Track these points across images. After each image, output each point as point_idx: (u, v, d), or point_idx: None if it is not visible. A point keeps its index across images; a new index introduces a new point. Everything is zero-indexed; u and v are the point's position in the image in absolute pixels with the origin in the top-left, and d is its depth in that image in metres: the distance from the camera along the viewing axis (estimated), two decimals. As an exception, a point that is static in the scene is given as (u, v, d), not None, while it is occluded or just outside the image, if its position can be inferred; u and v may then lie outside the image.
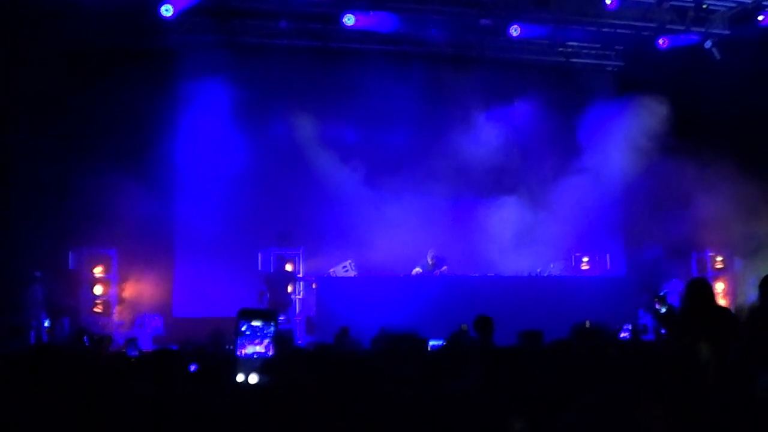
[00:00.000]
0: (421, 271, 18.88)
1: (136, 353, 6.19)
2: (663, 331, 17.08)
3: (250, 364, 5.47)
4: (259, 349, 5.48)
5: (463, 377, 6.16)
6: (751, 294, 18.54)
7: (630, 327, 16.09)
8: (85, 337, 14.67)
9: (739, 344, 6.52)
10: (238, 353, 5.47)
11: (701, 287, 8.07)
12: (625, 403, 3.02)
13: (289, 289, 19.04)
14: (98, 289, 19.01)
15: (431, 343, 9.39)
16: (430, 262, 19.15)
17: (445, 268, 19.15)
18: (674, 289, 20.72)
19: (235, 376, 5.43)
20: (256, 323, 5.51)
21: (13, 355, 7.06)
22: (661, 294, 20.55)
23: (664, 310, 17.77)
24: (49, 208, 17.79)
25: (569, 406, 3.10)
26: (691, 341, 5.65)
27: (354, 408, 5.01)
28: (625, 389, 3.20)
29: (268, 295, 18.39)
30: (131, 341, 15.32)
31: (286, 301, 18.77)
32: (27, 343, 15.74)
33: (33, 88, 17.60)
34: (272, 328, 5.52)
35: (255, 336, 5.48)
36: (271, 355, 5.50)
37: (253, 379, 5.40)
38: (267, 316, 5.66)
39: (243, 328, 5.47)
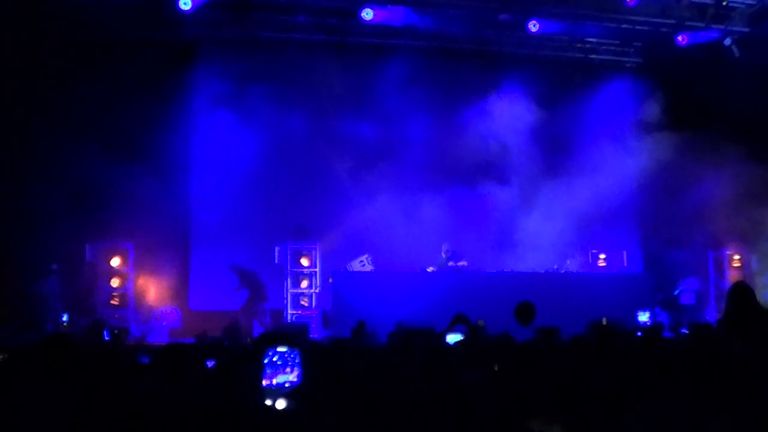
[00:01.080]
0: (434, 269, 18.88)
1: (147, 360, 6.12)
2: (683, 330, 17.05)
3: (279, 392, 5.43)
4: (292, 378, 5.42)
5: (478, 372, 6.16)
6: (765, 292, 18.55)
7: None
8: (105, 331, 14.67)
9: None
10: (267, 383, 5.41)
11: (744, 291, 8.05)
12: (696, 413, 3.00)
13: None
14: (115, 282, 19.03)
15: (449, 338, 9.38)
16: (443, 256, 19.15)
17: (464, 262, 19.13)
18: (690, 288, 20.69)
19: (262, 401, 5.39)
20: (281, 349, 5.45)
21: (28, 345, 7.07)
22: (675, 293, 20.57)
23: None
24: (67, 202, 17.80)
25: (628, 413, 3.08)
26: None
27: (370, 401, 5.01)
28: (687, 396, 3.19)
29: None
30: (142, 346, 15.18)
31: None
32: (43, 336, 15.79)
33: (50, 81, 17.66)
34: (297, 353, 5.46)
35: (285, 364, 5.42)
36: (301, 383, 5.45)
37: (281, 404, 5.38)
38: (291, 339, 5.60)
39: (275, 359, 5.42)
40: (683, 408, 2.95)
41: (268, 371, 5.38)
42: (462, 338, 8.79)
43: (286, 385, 5.40)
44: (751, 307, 7.76)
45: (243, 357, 6.17)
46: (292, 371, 5.40)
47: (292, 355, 5.42)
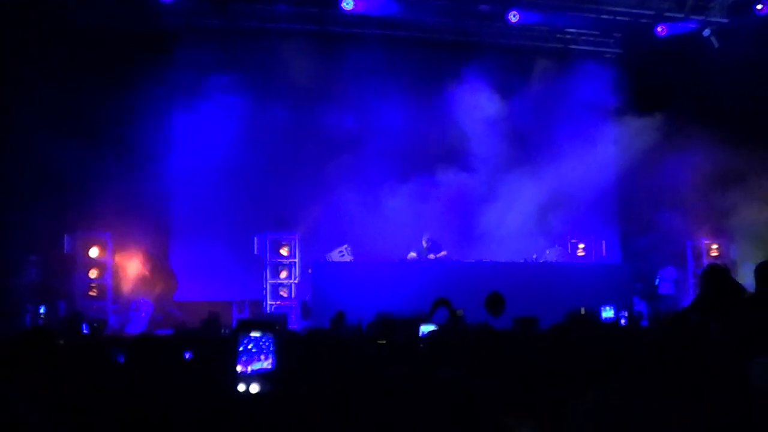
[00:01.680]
0: (415, 255, 18.90)
1: (123, 359, 6.11)
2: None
3: (253, 378, 5.43)
4: (266, 365, 5.41)
5: (456, 364, 6.15)
6: (746, 281, 18.61)
7: (626, 314, 16.05)
8: (84, 324, 14.63)
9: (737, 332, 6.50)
10: (241, 370, 5.40)
11: (719, 273, 8.06)
12: (648, 397, 2.99)
13: None
14: (93, 273, 18.95)
15: (423, 328, 9.39)
16: (424, 246, 19.17)
17: (444, 252, 19.16)
18: (669, 277, 20.77)
19: (236, 386, 5.39)
20: (255, 334, 5.44)
21: (6, 338, 7.04)
22: (656, 283, 20.63)
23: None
24: (45, 192, 17.74)
25: (580, 400, 3.07)
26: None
27: (348, 394, 5.01)
28: (641, 382, 3.18)
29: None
30: (120, 339, 15.05)
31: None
32: (22, 328, 15.73)
33: (27, 70, 17.54)
34: (271, 339, 5.45)
35: (260, 351, 5.41)
36: (274, 368, 5.45)
37: (255, 388, 5.38)
38: (265, 325, 5.59)
39: (249, 346, 5.41)
40: (633, 395, 2.95)
41: (243, 358, 5.38)
42: (435, 328, 8.77)
43: (261, 372, 5.40)
44: (727, 288, 7.78)
45: (220, 348, 6.16)
46: (266, 358, 5.40)
47: (266, 342, 5.42)
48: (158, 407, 4.89)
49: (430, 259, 18.90)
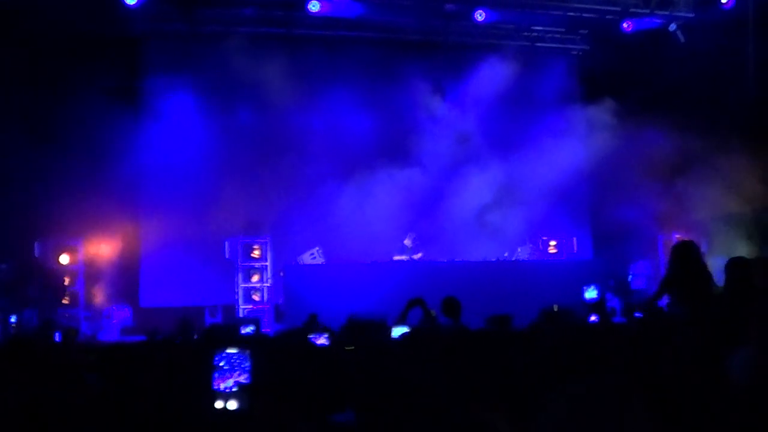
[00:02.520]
0: (405, 258, 18.98)
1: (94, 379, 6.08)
2: (636, 314, 17.14)
3: (229, 395, 5.42)
4: (241, 379, 5.40)
5: (426, 365, 6.15)
6: (717, 276, 18.71)
7: (610, 295, 16.15)
8: (57, 332, 14.54)
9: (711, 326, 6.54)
10: (216, 387, 5.39)
11: (688, 249, 8.11)
12: (613, 393, 3.00)
13: None
14: (65, 280, 18.86)
15: (396, 330, 9.38)
16: (408, 246, 19.22)
17: (420, 254, 19.22)
18: (641, 272, 20.85)
19: (213, 403, 5.38)
20: (231, 350, 5.43)
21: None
22: (628, 278, 20.69)
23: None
24: (14, 199, 17.64)
25: (551, 395, 3.07)
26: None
27: (319, 395, 5.01)
28: (609, 378, 3.18)
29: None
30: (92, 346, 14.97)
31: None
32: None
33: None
34: (248, 356, 5.45)
35: (233, 369, 5.41)
36: (251, 382, 5.44)
37: (232, 405, 5.38)
38: (242, 342, 5.60)
39: (221, 363, 5.40)
40: (603, 392, 2.97)
41: (216, 375, 5.37)
42: (408, 331, 8.75)
43: (234, 388, 5.39)
44: (695, 266, 7.84)
45: (192, 358, 6.13)
46: (240, 374, 5.39)
47: (240, 359, 5.41)
48: (134, 421, 4.87)
49: (412, 260, 18.98)
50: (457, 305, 10.62)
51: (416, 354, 6.07)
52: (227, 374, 5.36)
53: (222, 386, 5.33)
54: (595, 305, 14.97)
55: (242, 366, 5.37)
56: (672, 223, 20.94)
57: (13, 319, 17.10)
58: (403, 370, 5.46)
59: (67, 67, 18.35)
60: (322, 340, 8.07)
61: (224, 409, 5.29)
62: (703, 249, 19.92)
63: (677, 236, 20.94)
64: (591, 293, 17.09)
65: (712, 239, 19.99)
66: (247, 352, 5.43)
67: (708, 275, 8.32)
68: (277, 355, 5.81)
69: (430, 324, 10.15)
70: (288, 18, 20.88)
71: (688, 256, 8.12)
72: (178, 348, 9.04)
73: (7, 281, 17.60)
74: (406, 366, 5.72)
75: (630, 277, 21.15)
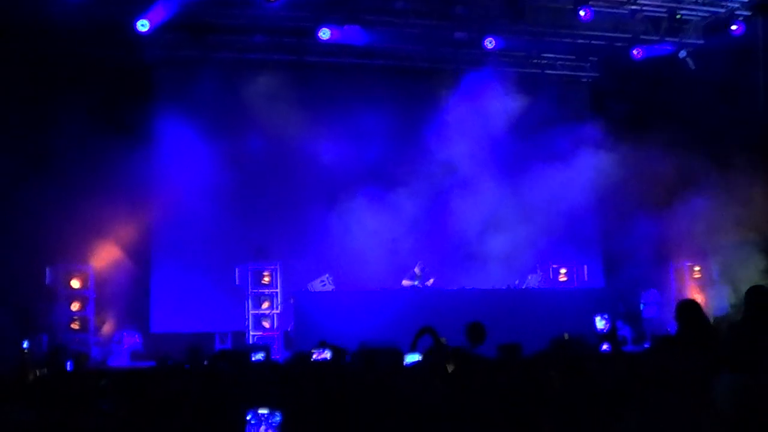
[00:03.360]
0: (412, 283, 18.98)
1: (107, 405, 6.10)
2: (647, 344, 17.12)
3: None
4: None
5: (436, 391, 6.15)
6: (727, 303, 18.69)
7: (620, 324, 16.13)
8: (69, 361, 14.55)
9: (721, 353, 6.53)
10: None
11: (692, 308, 8.11)
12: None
13: None
14: (75, 306, 18.85)
15: (409, 357, 9.37)
16: (417, 274, 19.22)
17: (432, 281, 19.24)
18: (652, 300, 20.77)
19: None
20: (262, 411, 5.45)
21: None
22: (640, 306, 20.60)
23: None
24: (26, 225, 17.68)
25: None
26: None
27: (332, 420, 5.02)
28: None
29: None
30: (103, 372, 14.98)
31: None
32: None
33: (5, 103, 17.52)
34: (278, 417, 5.45)
35: (260, 424, 5.41)
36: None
37: None
38: (274, 401, 5.61)
39: (248, 417, 5.41)
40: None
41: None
42: (420, 359, 8.75)
43: None
44: (698, 324, 7.83)
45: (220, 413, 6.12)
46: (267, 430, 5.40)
47: (270, 420, 5.42)
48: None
49: (419, 287, 18.98)
50: (481, 331, 10.61)
51: (427, 380, 6.09)
52: (256, 429, 5.38)
53: None
54: (606, 335, 14.94)
55: (270, 422, 5.40)
56: (683, 250, 20.91)
57: (25, 345, 17.08)
58: (415, 396, 5.47)
59: (78, 94, 18.40)
60: (325, 355, 8.12)
61: None
62: (714, 276, 19.94)
63: (688, 264, 20.93)
64: (601, 323, 17.07)
65: (723, 266, 19.97)
66: (277, 412, 5.46)
67: (714, 332, 8.31)
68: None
69: (441, 352, 10.13)
70: (298, 45, 20.94)
71: (693, 315, 8.11)
72: (189, 374, 9.06)
73: (19, 307, 17.60)
74: (418, 391, 5.73)
75: (642, 305, 21.07)
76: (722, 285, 19.67)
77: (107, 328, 19.25)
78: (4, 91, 17.55)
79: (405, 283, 19.10)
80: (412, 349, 9.89)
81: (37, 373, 9.79)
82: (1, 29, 17.18)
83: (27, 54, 17.92)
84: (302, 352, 9.75)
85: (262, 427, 5.38)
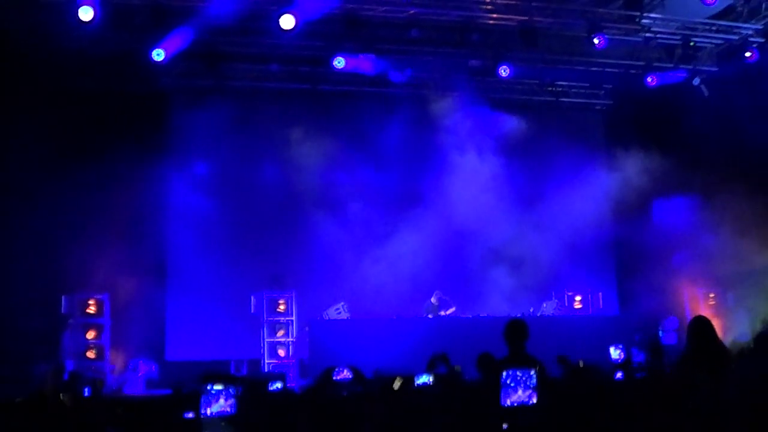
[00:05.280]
0: (431, 316, 19.02)
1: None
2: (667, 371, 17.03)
3: (215, 423, 5.49)
4: (226, 408, 5.48)
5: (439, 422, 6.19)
6: (743, 330, 18.61)
7: (636, 353, 16.06)
8: (87, 387, 14.55)
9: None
10: (203, 413, 5.47)
11: (703, 325, 8.10)
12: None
13: None
14: (90, 334, 18.88)
15: (420, 380, 9.37)
16: (434, 304, 19.24)
17: (453, 309, 19.27)
18: (671, 327, 20.70)
19: None
20: (218, 387, 5.52)
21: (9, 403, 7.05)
22: (659, 334, 20.52)
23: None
24: (41, 254, 17.75)
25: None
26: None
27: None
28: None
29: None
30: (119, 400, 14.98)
31: None
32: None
33: (24, 132, 17.62)
34: (234, 390, 5.53)
35: (220, 395, 5.48)
36: (236, 413, 5.52)
37: None
38: (229, 379, 5.70)
39: (209, 388, 5.47)
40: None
41: (203, 401, 5.47)
42: (431, 381, 8.75)
43: (220, 415, 5.48)
44: (710, 343, 7.81)
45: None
46: (226, 401, 5.50)
47: (230, 390, 5.51)
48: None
49: (436, 316, 19.00)
50: (522, 328, 10.31)
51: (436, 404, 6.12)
52: (215, 399, 5.47)
53: (209, 411, 5.43)
54: (621, 365, 14.87)
55: (229, 392, 5.49)
56: (698, 278, 20.85)
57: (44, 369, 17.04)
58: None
59: (95, 122, 18.59)
60: (346, 375, 8.20)
61: None
62: (729, 303, 19.87)
63: (702, 291, 20.86)
64: (616, 353, 17.00)
65: (739, 294, 19.89)
66: (233, 385, 5.55)
67: (724, 351, 8.29)
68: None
69: (453, 378, 10.14)
70: (313, 74, 21.05)
71: (703, 332, 8.10)
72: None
73: (36, 334, 17.64)
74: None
75: (661, 332, 20.99)
76: (738, 312, 19.58)
77: (123, 356, 19.26)
78: (20, 119, 17.66)
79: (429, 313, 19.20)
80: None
81: (61, 397, 9.81)
82: (18, 58, 17.29)
83: (44, 82, 18.03)
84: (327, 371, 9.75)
85: (222, 399, 5.47)
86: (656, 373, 15.09)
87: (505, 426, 5.89)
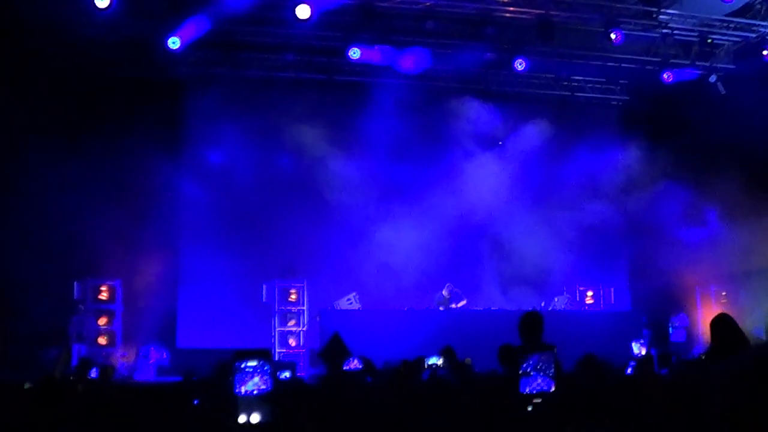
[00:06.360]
0: (442, 308, 19.00)
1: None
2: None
3: (251, 401, 5.50)
4: (261, 384, 5.49)
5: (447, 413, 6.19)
6: (756, 328, 18.55)
7: (635, 363, 16.02)
8: (94, 368, 14.58)
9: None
10: (237, 391, 5.48)
11: (727, 321, 8.06)
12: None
13: None
14: (102, 320, 18.92)
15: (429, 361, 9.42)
16: (446, 296, 19.22)
17: (464, 302, 19.25)
18: (681, 324, 20.66)
19: (237, 416, 5.46)
20: (252, 363, 5.53)
21: (17, 387, 7.06)
22: (669, 330, 20.47)
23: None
24: (55, 239, 17.78)
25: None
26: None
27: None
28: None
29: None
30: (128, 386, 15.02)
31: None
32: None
33: (40, 118, 17.65)
34: (269, 366, 5.55)
35: (255, 372, 5.49)
36: (271, 389, 5.53)
37: (255, 418, 5.44)
38: (262, 354, 5.70)
39: (242, 366, 5.49)
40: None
41: (237, 379, 5.48)
42: (440, 362, 8.77)
43: (255, 393, 5.48)
44: (735, 337, 7.77)
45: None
46: (261, 378, 5.51)
47: (264, 367, 5.53)
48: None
49: (447, 309, 18.99)
50: (538, 320, 10.16)
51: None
52: (250, 377, 5.51)
53: (244, 390, 5.48)
54: (642, 360, 14.80)
55: (264, 370, 5.52)
56: (710, 275, 20.80)
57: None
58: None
59: (110, 109, 18.62)
60: (355, 364, 8.23)
61: (248, 423, 5.40)
62: (741, 301, 19.80)
63: (715, 288, 20.80)
64: (637, 348, 17.05)
65: (751, 292, 19.84)
66: (268, 362, 5.59)
67: (747, 342, 8.24)
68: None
69: (460, 372, 10.13)
70: (329, 64, 21.05)
71: (727, 328, 8.05)
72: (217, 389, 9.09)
73: (47, 320, 17.68)
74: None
75: (670, 329, 20.96)
76: (751, 310, 19.53)
77: (134, 342, 19.29)
78: (36, 105, 17.68)
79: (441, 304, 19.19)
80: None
81: (78, 388, 9.85)
82: (35, 44, 17.32)
83: (60, 69, 18.05)
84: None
85: (256, 377, 5.49)
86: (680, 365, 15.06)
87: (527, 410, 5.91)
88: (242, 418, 5.41)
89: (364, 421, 5.69)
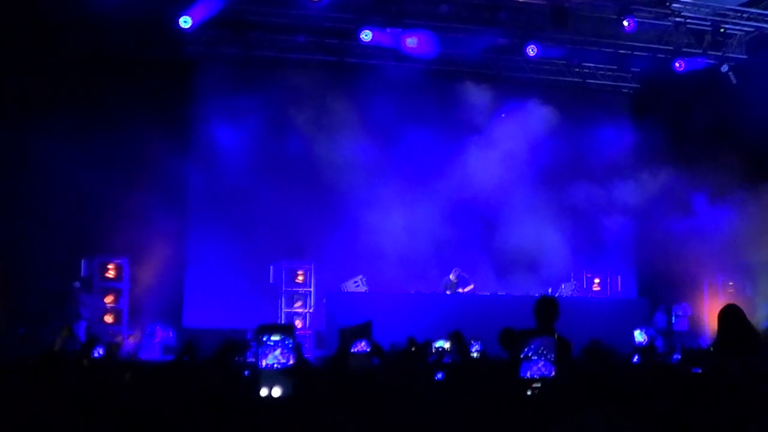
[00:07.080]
0: (449, 292, 19.00)
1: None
2: (676, 355, 16.98)
3: (272, 375, 5.52)
4: (281, 358, 5.51)
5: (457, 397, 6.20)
6: (763, 319, 18.53)
7: (660, 341, 16.07)
8: (99, 346, 14.62)
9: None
10: (260, 364, 5.51)
11: (735, 312, 8.05)
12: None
13: None
14: (109, 298, 18.94)
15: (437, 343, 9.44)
16: (453, 281, 19.21)
17: (471, 287, 19.25)
18: (683, 313, 20.66)
19: (258, 390, 5.48)
20: (275, 337, 5.55)
21: (20, 362, 7.09)
22: (672, 320, 20.48)
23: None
24: (63, 216, 17.79)
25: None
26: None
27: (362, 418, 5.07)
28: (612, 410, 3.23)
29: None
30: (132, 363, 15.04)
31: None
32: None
33: (50, 96, 17.67)
34: (291, 341, 5.57)
35: (276, 346, 5.51)
36: (293, 364, 5.56)
37: (277, 392, 5.47)
38: (285, 329, 5.72)
39: (264, 339, 5.51)
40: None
41: (260, 353, 5.50)
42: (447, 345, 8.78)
43: (275, 366, 5.50)
44: (743, 329, 7.76)
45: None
46: (282, 353, 5.53)
47: (286, 341, 5.55)
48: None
49: (454, 293, 19.00)
50: (553, 305, 10.01)
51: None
52: (271, 350, 5.54)
53: (266, 363, 5.51)
54: (644, 348, 14.82)
55: (285, 344, 5.55)
56: (717, 266, 20.77)
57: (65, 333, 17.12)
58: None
59: (120, 88, 18.56)
60: (364, 347, 8.26)
61: (269, 396, 5.42)
62: (748, 292, 19.78)
63: (722, 279, 20.78)
64: (641, 336, 17.00)
65: (759, 283, 19.82)
66: (290, 337, 5.61)
67: (758, 338, 8.22)
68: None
69: (467, 357, 10.15)
70: (340, 46, 21.01)
71: (735, 320, 8.03)
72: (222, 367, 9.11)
73: (54, 296, 17.72)
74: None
75: (673, 318, 20.96)
76: (757, 301, 19.52)
77: (140, 321, 19.32)
78: (51, 85, 17.71)
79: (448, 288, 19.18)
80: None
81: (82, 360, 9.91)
82: (45, 23, 17.30)
83: (71, 49, 18.03)
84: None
85: (278, 350, 5.51)
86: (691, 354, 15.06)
87: (526, 395, 5.92)
88: (264, 392, 5.43)
89: (372, 399, 5.71)
